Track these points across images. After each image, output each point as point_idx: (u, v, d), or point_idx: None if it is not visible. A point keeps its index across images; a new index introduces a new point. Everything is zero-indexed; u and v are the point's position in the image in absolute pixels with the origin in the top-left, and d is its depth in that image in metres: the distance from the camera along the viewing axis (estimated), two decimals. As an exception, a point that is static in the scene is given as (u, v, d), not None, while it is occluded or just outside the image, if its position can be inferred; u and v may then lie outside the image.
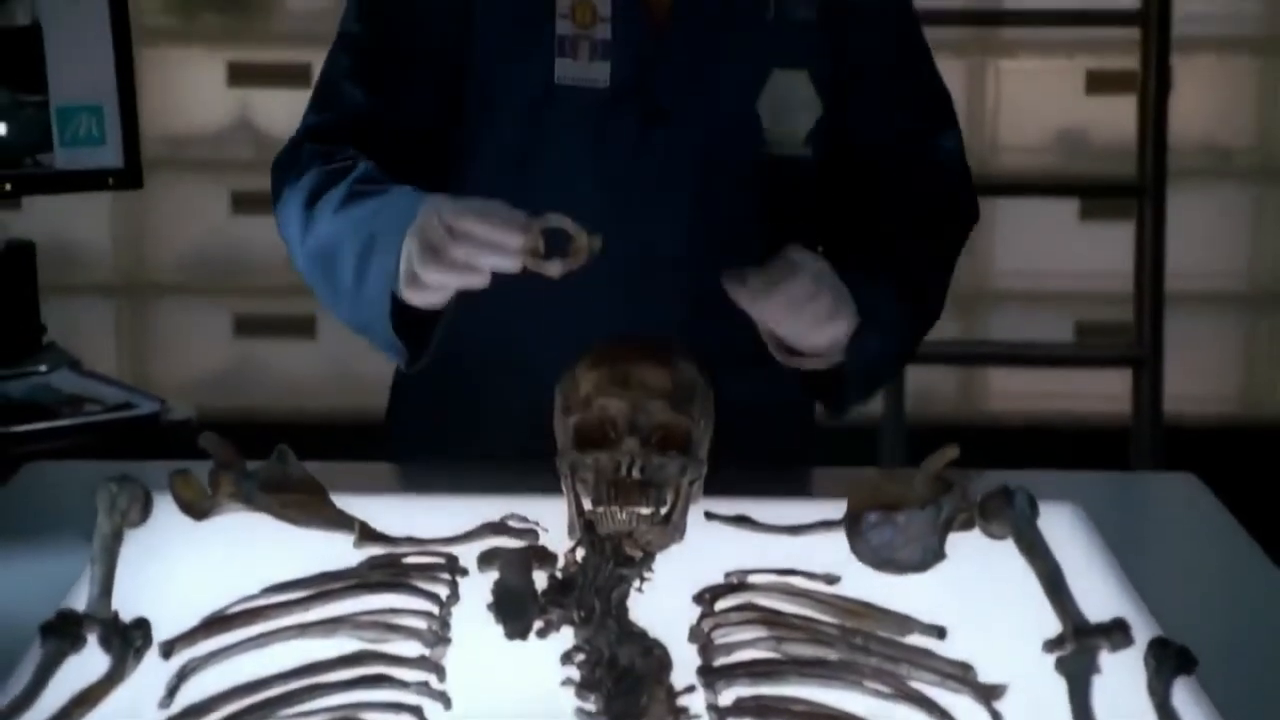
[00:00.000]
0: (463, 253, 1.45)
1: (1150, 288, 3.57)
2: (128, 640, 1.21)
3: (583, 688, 1.13)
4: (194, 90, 3.97)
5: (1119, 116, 3.81)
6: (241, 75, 3.96)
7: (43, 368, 2.41)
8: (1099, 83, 3.97)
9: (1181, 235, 3.73)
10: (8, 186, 2.28)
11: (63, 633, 1.21)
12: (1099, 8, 3.77)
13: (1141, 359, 3.60)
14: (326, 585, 1.33)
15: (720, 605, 1.31)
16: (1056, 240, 4.02)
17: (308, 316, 4.05)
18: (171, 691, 1.20)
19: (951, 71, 3.85)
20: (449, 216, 1.45)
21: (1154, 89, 3.55)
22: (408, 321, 1.58)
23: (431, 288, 1.51)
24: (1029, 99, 4.00)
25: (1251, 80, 4.01)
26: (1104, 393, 3.84)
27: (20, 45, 2.24)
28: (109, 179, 2.33)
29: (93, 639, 1.22)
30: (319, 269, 1.65)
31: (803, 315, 1.55)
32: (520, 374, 1.75)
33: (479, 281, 1.47)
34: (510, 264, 1.44)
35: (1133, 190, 3.63)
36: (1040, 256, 4.02)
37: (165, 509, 1.47)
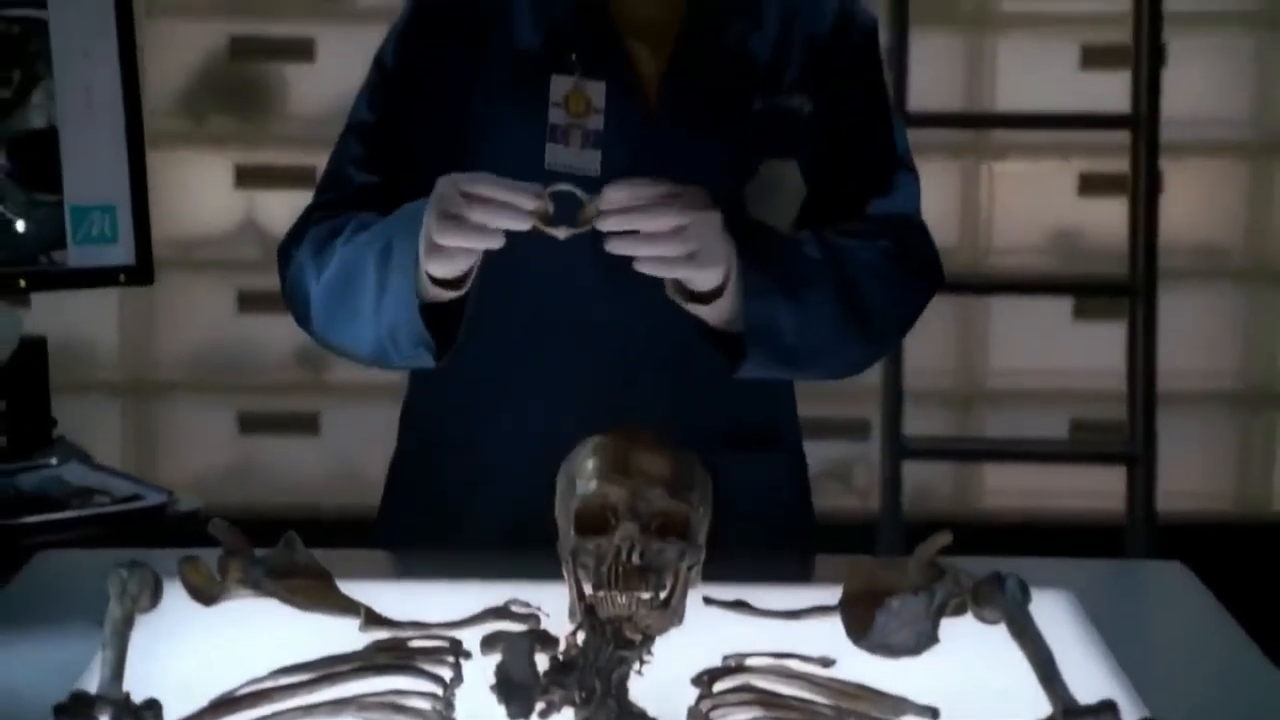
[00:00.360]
0: (479, 214, 1.55)
1: (1143, 386, 3.60)
2: (139, 720, 1.23)
3: (584, 764, 1.16)
4: (201, 191, 4.02)
5: (1111, 218, 3.85)
6: (248, 177, 4.02)
7: (53, 460, 2.41)
8: (1091, 185, 4.02)
9: (1176, 334, 3.76)
10: (22, 282, 2.32)
11: (75, 714, 1.22)
12: (1090, 111, 3.83)
13: (1135, 456, 3.62)
14: (333, 668, 1.35)
15: (718, 687, 1.33)
16: (1051, 339, 4.05)
17: (311, 414, 4.07)
18: (182, 770, 1.22)
19: (946, 173, 3.95)
20: (464, 184, 1.56)
21: (1144, 191, 3.59)
22: (434, 322, 1.65)
23: (451, 253, 1.59)
24: (1022, 200, 4.05)
25: (1241, 183, 4.06)
26: (1098, 490, 3.85)
27: (37, 147, 2.29)
28: (120, 275, 2.36)
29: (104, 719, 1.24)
30: (338, 293, 1.70)
31: (669, 246, 1.59)
32: (513, 460, 1.78)
33: (495, 242, 1.57)
34: (522, 224, 1.55)
35: (1125, 290, 3.66)
36: (1035, 355, 4.05)
37: (175, 594, 1.48)
